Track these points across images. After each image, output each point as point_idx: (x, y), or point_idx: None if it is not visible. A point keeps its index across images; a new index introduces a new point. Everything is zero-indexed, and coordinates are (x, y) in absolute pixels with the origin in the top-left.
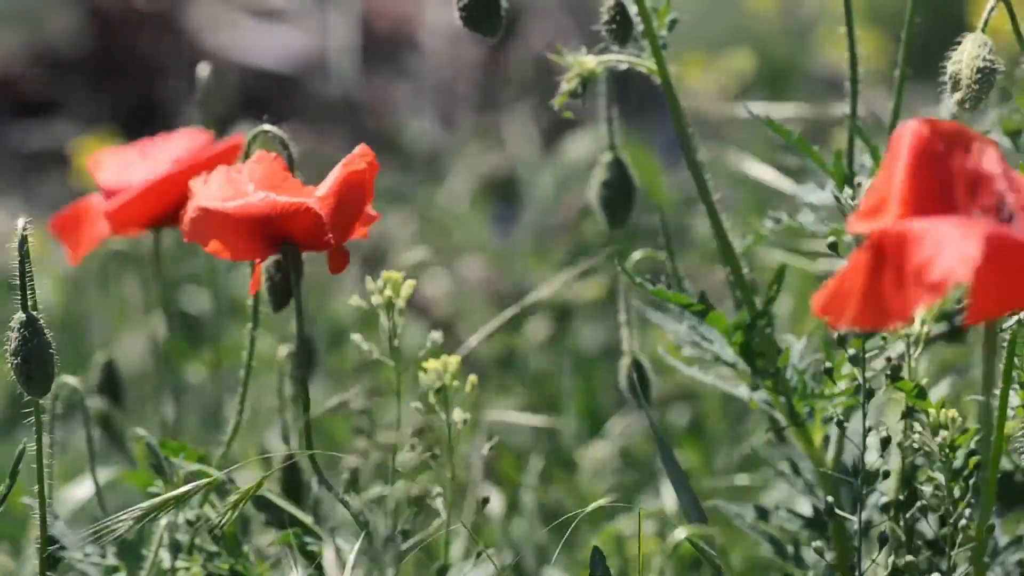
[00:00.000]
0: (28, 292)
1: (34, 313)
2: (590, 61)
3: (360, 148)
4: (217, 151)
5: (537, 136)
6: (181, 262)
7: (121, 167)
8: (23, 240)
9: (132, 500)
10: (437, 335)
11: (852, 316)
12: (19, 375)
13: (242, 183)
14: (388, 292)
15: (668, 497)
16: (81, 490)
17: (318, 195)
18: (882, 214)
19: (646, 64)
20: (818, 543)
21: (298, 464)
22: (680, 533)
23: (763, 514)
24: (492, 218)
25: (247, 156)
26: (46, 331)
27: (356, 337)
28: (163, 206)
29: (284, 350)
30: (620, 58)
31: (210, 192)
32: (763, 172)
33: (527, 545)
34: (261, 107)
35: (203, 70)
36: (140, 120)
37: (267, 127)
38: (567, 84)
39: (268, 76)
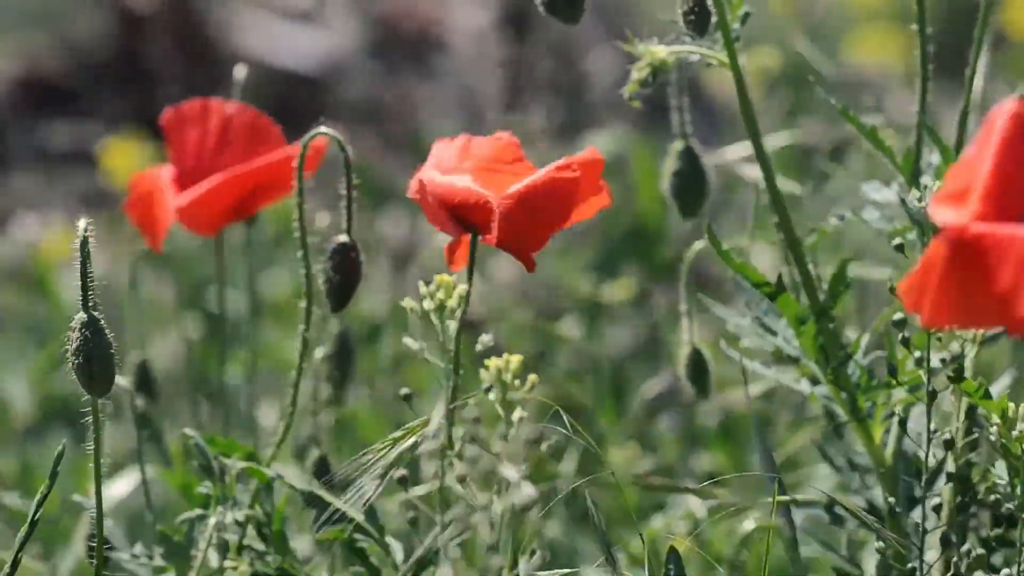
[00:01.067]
0: (88, 292)
1: (95, 313)
2: (661, 51)
3: (565, 161)
4: (292, 152)
5: (561, 134)
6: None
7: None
8: (84, 241)
9: (168, 499)
10: (488, 338)
11: (928, 313)
12: (80, 375)
13: (468, 159)
14: (441, 295)
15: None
16: (118, 489)
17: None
18: (964, 202)
19: (717, 56)
20: (880, 543)
21: (327, 460)
22: (750, 524)
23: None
24: None
25: (302, 157)
26: (107, 331)
27: (408, 340)
28: (230, 205)
29: (320, 352)
30: (691, 49)
31: (439, 161)
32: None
33: (562, 544)
34: (286, 108)
35: (240, 72)
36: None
37: (324, 129)
38: (637, 74)
39: (293, 77)
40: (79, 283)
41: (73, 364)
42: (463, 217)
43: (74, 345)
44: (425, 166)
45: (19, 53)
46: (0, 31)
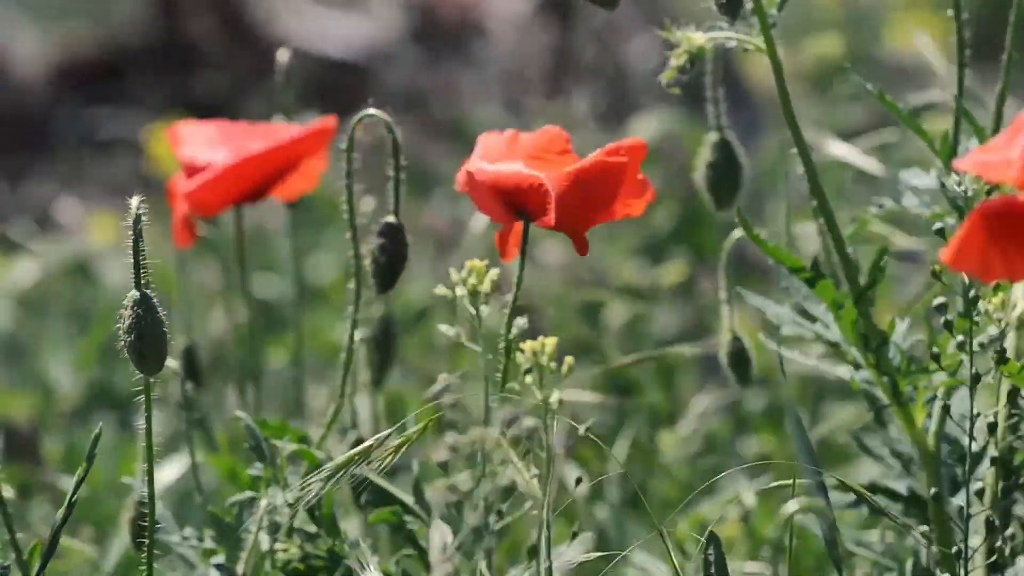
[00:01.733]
0: (141, 270)
1: (147, 291)
2: (699, 38)
3: (614, 145)
4: (302, 134)
5: (603, 120)
6: (258, 247)
7: (203, 144)
8: (137, 219)
9: (213, 484)
10: (523, 321)
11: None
12: (132, 353)
13: (515, 150)
14: (472, 280)
15: (747, 481)
16: (165, 473)
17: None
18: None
19: (754, 43)
20: (925, 527)
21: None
22: (792, 505)
23: (874, 491)
24: None
25: (351, 140)
26: (159, 309)
27: (443, 327)
28: (244, 187)
29: (360, 335)
30: (729, 35)
31: (486, 152)
32: (847, 152)
33: (611, 529)
34: (328, 95)
35: (282, 56)
36: (208, 107)
37: (372, 111)
38: (675, 60)
39: (335, 64)
40: (128, 264)
41: (125, 342)
42: (516, 202)
43: (126, 323)
44: (472, 157)
45: (61, 40)
46: (41, 19)
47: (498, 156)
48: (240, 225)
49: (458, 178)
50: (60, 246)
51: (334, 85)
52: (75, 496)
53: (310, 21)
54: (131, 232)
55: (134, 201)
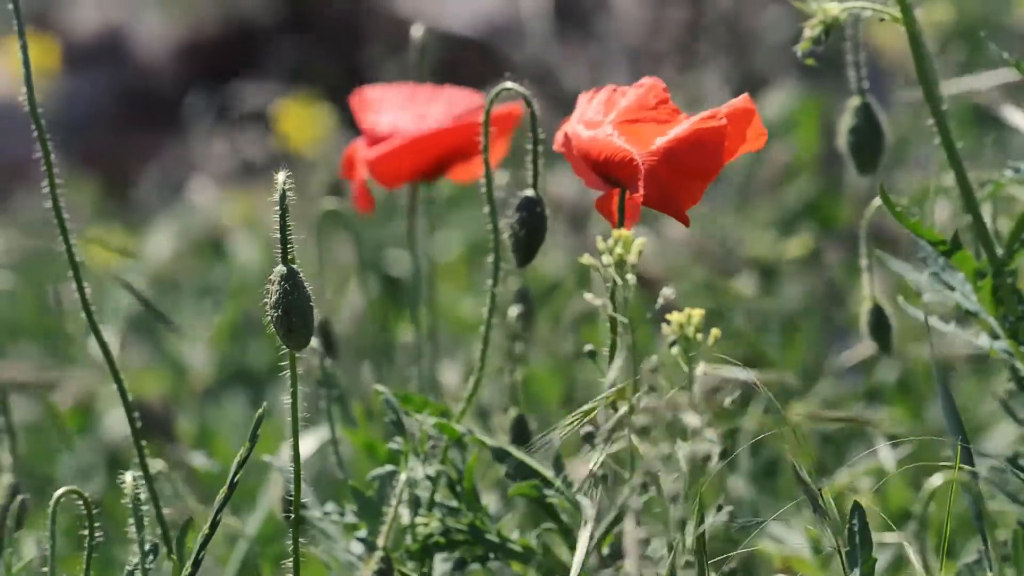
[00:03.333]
0: (288, 245)
1: (294, 266)
2: (833, 7)
3: (711, 111)
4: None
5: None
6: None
7: (389, 111)
8: (283, 195)
9: (350, 457)
10: (669, 291)
11: None
12: (280, 327)
13: (612, 110)
14: (619, 250)
15: (883, 451)
16: (304, 448)
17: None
18: None
19: (890, 12)
20: None
21: (525, 419)
22: (938, 479)
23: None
24: None
25: (487, 114)
26: (306, 284)
27: (589, 296)
28: (424, 162)
29: (511, 310)
30: (865, 4)
31: (583, 113)
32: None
33: (745, 500)
34: (454, 71)
35: (416, 31)
36: (338, 84)
37: (510, 84)
38: (810, 31)
39: (461, 41)
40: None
41: (272, 317)
42: (608, 174)
43: (274, 298)
44: (571, 119)
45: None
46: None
47: (595, 118)
48: (414, 200)
49: (556, 138)
50: (192, 223)
51: (463, 62)
52: (236, 477)
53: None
54: (277, 208)
55: (280, 177)
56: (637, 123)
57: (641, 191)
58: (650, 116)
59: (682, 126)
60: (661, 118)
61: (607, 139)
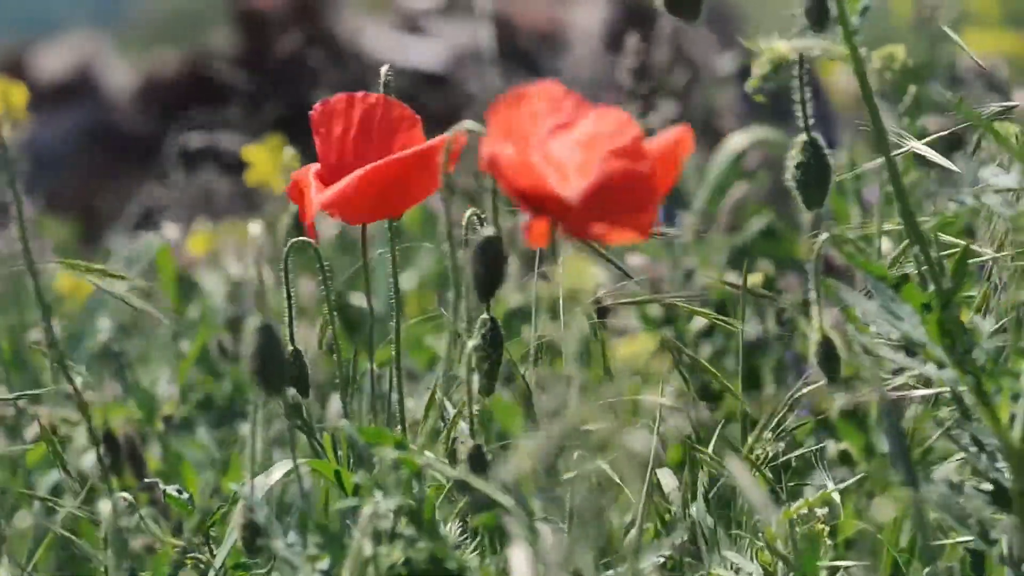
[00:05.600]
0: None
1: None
2: (782, 46)
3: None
4: (433, 144)
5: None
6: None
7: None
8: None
9: (317, 487)
10: (629, 323)
11: None
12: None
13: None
14: (573, 281)
15: (831, 482)
16: (269, 479)
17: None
18: None
19: (838, 50)
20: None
21: (482, 448)
22: (887, 505)
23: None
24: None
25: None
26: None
27: (543, 326)
28: (375, 197)
29: (472, 342)
30: (813, 43)
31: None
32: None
33: (701, 527)
34: (414, 108)
35: (383, 71)
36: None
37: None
38: (759, 69)
39: (419, 78)
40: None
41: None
42: (534, 205)
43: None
44: (494, 137)
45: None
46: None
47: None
48: (364, 236)
49: (481, 154)
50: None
51: (419, 98)
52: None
53: (391, 42)
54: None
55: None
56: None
57: (568, 227)
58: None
59: (608, 164)
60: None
61: (536, 169)
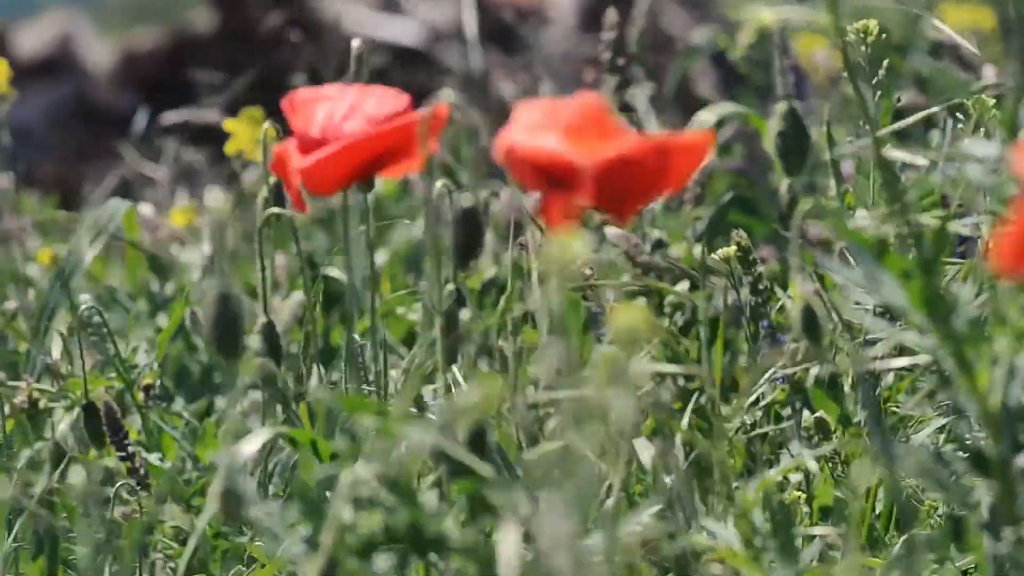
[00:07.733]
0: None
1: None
2: (766, 15)
3: (665, 138)
4: (415, 119)
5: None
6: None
7: (318, 114)
8: (220, 217)
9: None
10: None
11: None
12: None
13: (558, 119)
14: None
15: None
16: (248, 448)
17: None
18: None
19: (822, 20)
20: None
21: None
22: (859, 473)
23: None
24: None
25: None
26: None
27: (525, 300)
28: (356, 167)
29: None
30: (796, 13)
31: (527, 124)
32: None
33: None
34: (393, 85)
35: (356, 45)
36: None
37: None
38: (744, 38)
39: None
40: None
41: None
42: (553, 179)
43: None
44: (510, 128)
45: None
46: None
47: (539, 127)
48: (346, 204)
49: (495, 148)
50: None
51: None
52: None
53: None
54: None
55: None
56: (579, 133)
57: (588, 196)
58: (593, 129)
59: (631, 143)
60: (604, 132)
61: (552, 146)
